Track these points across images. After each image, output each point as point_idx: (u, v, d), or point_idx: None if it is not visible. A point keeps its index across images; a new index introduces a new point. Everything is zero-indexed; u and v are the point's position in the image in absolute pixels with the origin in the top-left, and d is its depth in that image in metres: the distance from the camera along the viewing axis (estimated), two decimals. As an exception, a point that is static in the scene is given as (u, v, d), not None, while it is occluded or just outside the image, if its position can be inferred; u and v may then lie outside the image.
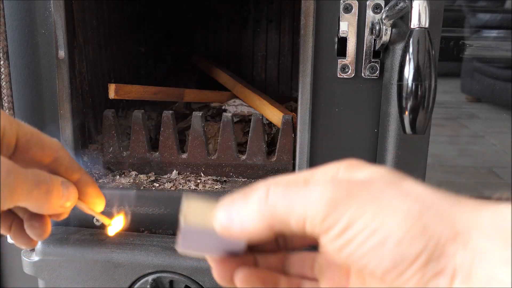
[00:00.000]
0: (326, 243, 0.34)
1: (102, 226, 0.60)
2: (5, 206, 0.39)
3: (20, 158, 0.46)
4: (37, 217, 0.49)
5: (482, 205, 0.33)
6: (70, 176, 0.50)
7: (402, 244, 0.31)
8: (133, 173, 0.96)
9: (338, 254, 0.33)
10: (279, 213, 0.34)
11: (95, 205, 0.52)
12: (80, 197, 0.50)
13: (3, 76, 0.81)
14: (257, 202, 0.35)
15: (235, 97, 1.30)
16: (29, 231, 0.49)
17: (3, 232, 0.50)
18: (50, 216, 0.50)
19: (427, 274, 0.31)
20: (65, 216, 0.51)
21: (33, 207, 0.44)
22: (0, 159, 0.38)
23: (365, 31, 0.79)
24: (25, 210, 0.48)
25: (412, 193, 0.36)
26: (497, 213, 0.32)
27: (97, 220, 0.91)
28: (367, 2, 0.78)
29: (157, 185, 0.92)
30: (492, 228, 0.31)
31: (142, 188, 0.91)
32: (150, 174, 0.96)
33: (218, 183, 0.93)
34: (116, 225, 0.61)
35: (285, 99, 1.48)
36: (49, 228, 0.50)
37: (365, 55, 0.81)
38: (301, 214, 0.33)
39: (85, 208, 0.52)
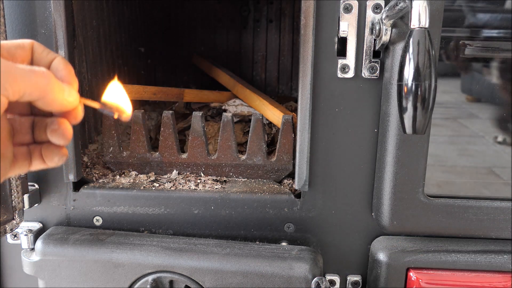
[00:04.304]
0: None
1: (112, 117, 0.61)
2: (12, 95, 0.44)
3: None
4: (55, 121, 0.51)
5: None
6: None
7: None
8: (133, 173, 0.96)
9: None
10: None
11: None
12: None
13: (3, 76, 0.81)
14: None
15: (235, 97, 1.30)
16: (53, 137, 0.51)
17: (21, 168, 0.52)
18: (66, 118, 0.52)
19: None
20: (77, 116, 0.52)
21: (39, 98, 0.47)
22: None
23: (365, 31, 0.79)
24: (42, 128, 0.52)
25: None
26: None
27: (97, 220, 0.92)
28: (367, 2, 0.78)
29: (157, 185, 0.92)
30: None
31: (142, 188, 0.91)
32: (150, 174, 0.96)
33: (218, 183, 0.93)
34: (122, 106, 0.59)
35: (285, 99, 1.48)
36: (69, 128, 0.52)
37: (365, 55, 0.81)
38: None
39: (88, 102, 0.54)
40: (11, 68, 0.44)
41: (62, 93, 0.49)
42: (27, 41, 0.51)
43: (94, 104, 0.56)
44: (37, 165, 0.53)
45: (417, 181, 0.81)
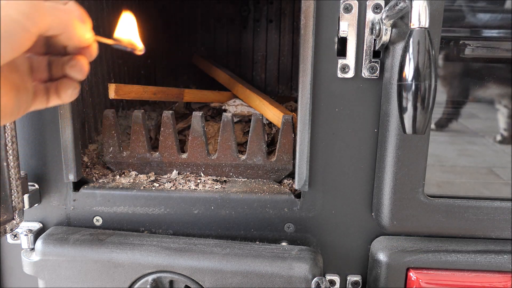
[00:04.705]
0: None
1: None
2: (39, 29, 0.48)
3: None
4: (73, 58, 0.57)
5: None
6: None
7: None
8: (133, 173, 0.96)
9: None
10: None
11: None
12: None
13: (3, 76, 0.81)
14: None
15: (235, 97, 1.30)
16: (72, 72, 0.57)
17: (41, 104, 0.57)
18: (82, 54, 0.57)
19: None
20: (93, 53, 0.58)
21: (61, 33, 0.52)
22: None
23: (365, 31, 0.79)
24: (59, 64, 0.57)
25: None
26: None
27: (97, 220, 0.92)
28: (367, 2, 0.78)
29: (157, 185, 0.92)
30: None
31: (142, 188, 0.91)
32: (150, 174, 0.96)
33: (218, 183, 0.93)
34: (135, 40, 0.63)
35: (285, 99, 1.48)
36: (87, 63, 0.57)
37: (365, 55, 0.81)
38: None
39: (102, 39, 0.59)
40: (39, 4, 0.49)
41: (81, 29, 0.54)
42: None
43: (108, 41, 0.60)
44: (53, 101, 0.58)
45: (417, 181, 0.81)
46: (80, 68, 0.56)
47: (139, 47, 0.63)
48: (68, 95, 0.58)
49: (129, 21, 0.64)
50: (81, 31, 0.54)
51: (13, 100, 0.50)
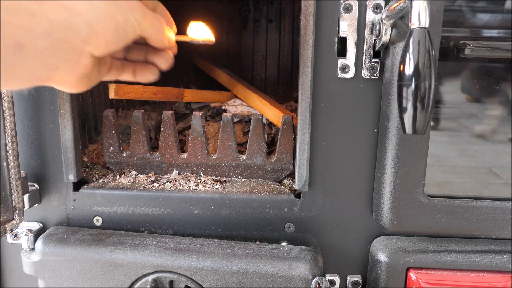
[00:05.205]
0: None
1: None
2: (140, 30, 0.60)
3: None
4: (162, 51, 0.71)
5: None
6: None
7: None
8: (133, 173, 0.96)
9: None
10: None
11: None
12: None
13: (3, 76, 0.81)
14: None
15: (235, 97, 1.30)
16: (159, 60, 0.71)
17: (114, 76, 0.68)
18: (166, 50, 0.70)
19: None
20: (175, 51, 0.71)
21: (152, 36, 0.64)
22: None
23: (365, 31, 0.79)
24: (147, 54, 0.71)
25: None
26: None
27: (97, 220, 0.92)
28: (367, 2, 0.78)
29: (157, 185, 0.92)
30: None
31: (142, 188, 0.91)
32: (150, 174, 0.96)
33: (218, 183, 0.93)
34: (206, 37, 0.80)
35: (285, 99, 1.48)
36: (172, 57, 0.71)
37: (365, 55, 0.81)
38: None
39: (181, 38, 0.73)
40: (147, 12, 0.62)
41: (169, 33, 0.67)
42: None
43: (186, 39, 0.75)
44: (126, 77, 0.70)
45: (417, 181, 0.81)
46: (167, 60, 0.70)
47: (211, 39, 0.80)
48: (145, 77, 0.72)
49: (197, 23, 0.81)
50: (169, 36, 0.67)
51: (96, 70, 0.60)
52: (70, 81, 0.58)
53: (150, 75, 0.74)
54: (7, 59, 0.49)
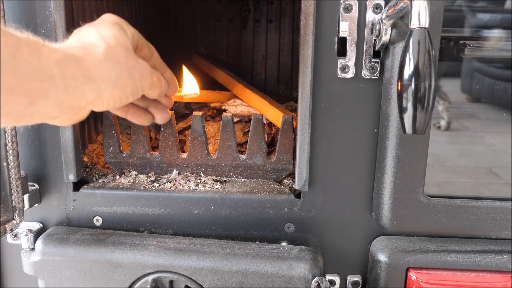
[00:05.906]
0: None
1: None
2: (142, 89, 0.70)
3: (139, 56, 0.71)
4: (162, 109, 0.86)
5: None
6: (161, 71, 0.82)
7: None
8: (133, 173, 0.96)
9: None
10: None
11: (175, 89, 0.86)
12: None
13: (3, 76, 0.81)
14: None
15: (235, 97, 1.30)
16: (157, 116, 0.85)
17: (121, 114, 0.83)
18: (162, 103, 0.86)
19: None
20: (172, 102, 0.87)
21: (152, 93, 0.74)
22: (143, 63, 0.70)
23: (365, 31, 0.79)
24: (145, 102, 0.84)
25: None
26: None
27: (97, 220, 0.92)
28: (367, 2, 0.78)
29: (157, 185, 0.92)
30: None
31: (142, 188, 0.91)
32: (150, 174, 0.96)
33: (218, 183, 0.93)
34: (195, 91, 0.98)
35: (285, 99, 1.48)
36: (169, 117, 0.89)
37: (365, 55, 0.81)
38: None
39: (176, 99, 0.89)
40: (153, 77, 0.71)
41: (162, 95, 0.79)
42: (153, 47, 0.80)
43: (178, 98, 0.97)
44: (120, 114, 0.83)
45: (417, 181, 0.81)
46: (166, 119, 0.88)
47: (197, 93, 1.01)
48: (140, 121, 0.84)
49: (188, 77, 0.96)
50: (160, 96, 0.79)
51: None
52: (64, 124, 0.66)
53: (146, 122, 0.84)
54: (16, 112, 0.53)
